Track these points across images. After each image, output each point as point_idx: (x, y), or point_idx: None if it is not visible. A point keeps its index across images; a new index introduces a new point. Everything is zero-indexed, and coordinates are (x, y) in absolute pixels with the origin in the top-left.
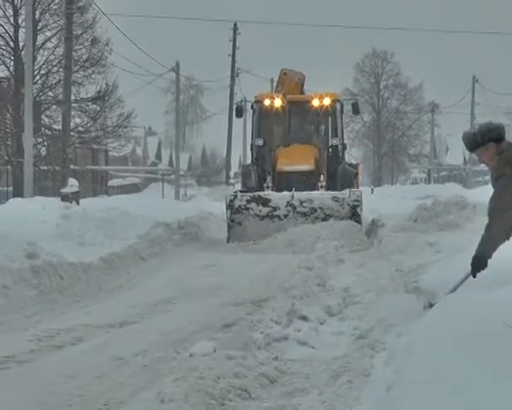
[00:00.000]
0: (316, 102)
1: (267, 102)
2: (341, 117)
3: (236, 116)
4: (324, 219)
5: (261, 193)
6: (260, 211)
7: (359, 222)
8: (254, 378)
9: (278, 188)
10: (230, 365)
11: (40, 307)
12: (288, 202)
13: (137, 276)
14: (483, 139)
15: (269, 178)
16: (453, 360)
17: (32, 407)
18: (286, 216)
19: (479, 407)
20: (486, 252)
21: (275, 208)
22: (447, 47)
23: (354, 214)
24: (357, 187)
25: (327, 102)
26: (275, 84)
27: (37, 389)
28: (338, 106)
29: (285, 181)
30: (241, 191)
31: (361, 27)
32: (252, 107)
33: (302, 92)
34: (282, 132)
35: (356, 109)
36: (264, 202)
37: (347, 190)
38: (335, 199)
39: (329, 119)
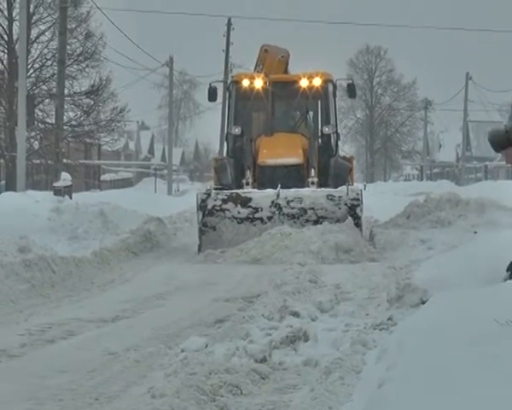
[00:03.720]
0: (304, 83)
1: (246, 83)
2: (334, 101)
3: (209, 100)
4: (316, 222)
5: (240, 191)
6: (239, 213)
7: (359, 226)
8: (246, 374)
9: (260, 185)
10: (222, 360)
11: (32, 301)
12: (272, 202)
13: (129, 271)
14: None
15: (248, 174)
16: (445, 357)
17: (22, 401)
18: (270, 219)
19: (469, 403)
20: None
21: (256, 209)
22: (441, 44)
23: (353, 216)
24: (352, 184)
25: (317, 82)
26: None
27: (29, 383)
28: (330, 87)
29: (268, 177)
30: (215, 189)
31: (355, 24)
32: (228, 89)
33: (286, 72)
34: (264, 119)
35: (352, 91)
36: (244, 201)
37: (345, 186)
38: (330, 197)
39: (320, 103)
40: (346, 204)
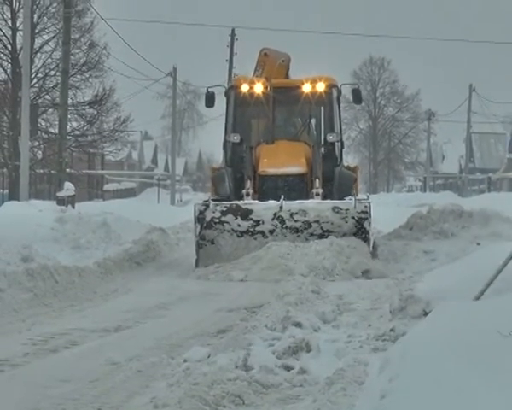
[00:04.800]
0: (307, 88)
1: (245, 88)
2: (339, 107)
3: (206, 105)
4: (321, 236)
5: (240, 202)
6: (239, 225)
7: (367, 240)
8: (248, 384)
9: (261, 196)
10: (224, 370)
11: (35, 310)
12: (274, 214)
13: (132, 280)
14: None
15: (249, 184)
16: (448, 368)
17: None
18: (272, 232)
19: None
20: None
21: (258, 222)
22: (444, 55)
23: (360, 230)
24: (357, 195)
25: (321, 87)
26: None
27: (31, 392)
28: (334, 93)
29: (270, 187)
30: (213, 200)
31: (359, 35)
32: (226, 94)
33: (287, 77)
34: (265, 126)
35: (357, 97)
36: (245, 213)
37: (352, 198)
38: (337, 210)
39: (324, 109)
40: (353, 217)
